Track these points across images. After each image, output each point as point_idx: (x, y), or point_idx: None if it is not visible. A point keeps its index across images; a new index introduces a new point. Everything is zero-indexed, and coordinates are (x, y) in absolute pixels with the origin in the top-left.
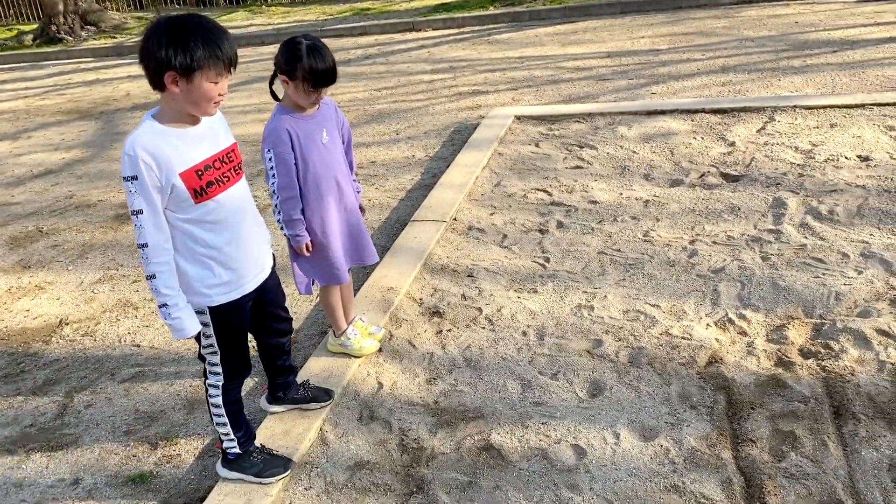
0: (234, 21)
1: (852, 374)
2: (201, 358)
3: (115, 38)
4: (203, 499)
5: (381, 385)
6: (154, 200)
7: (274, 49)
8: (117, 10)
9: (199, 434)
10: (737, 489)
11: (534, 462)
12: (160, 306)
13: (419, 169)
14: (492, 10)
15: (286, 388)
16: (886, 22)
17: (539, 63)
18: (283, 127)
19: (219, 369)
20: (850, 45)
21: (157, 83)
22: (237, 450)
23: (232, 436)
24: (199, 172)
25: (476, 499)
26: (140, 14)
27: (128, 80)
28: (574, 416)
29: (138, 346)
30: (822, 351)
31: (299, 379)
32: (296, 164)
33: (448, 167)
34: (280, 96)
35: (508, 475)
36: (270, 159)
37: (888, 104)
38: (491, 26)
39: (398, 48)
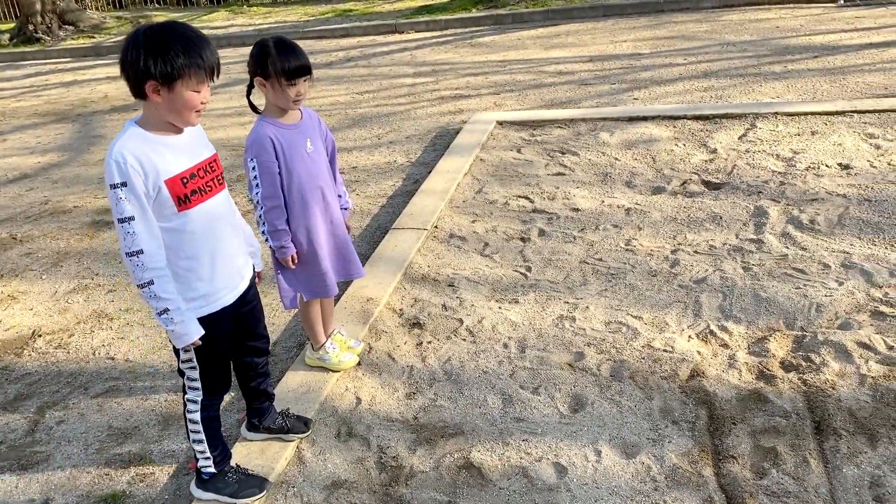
0: (215, 21)
1: (833, 388)
2: (180, 373)
3: (93, 37)
4: None
5: (359, 400)
6: (145, 206)
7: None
8: (96, 9)
9: (174, 451)
10: None
11: (514, 481)
12: (160, 314)
13: (401, 174)
14: (474, 13)
15: (261, 415)
16: (866, 28)
17: (521, 67)
18: (266, 135)
19: (198, 384)
20: (831, 51)
21: (139, 92)
22: (212, 469)
23: (208, 454)
24: (185, 180)
25: None
26: (119, 14)
27: (106, 81)
28: (555, 433)
29: (112, 359)
30: (804, 364)
31: (279, 405)
32: (280, 173)
33: (429, 173)
34: (259, 108)
35: (488, 495)
36: (254, 168)
37: (869, 111)
38: (473, 29)
39: (380, 51)
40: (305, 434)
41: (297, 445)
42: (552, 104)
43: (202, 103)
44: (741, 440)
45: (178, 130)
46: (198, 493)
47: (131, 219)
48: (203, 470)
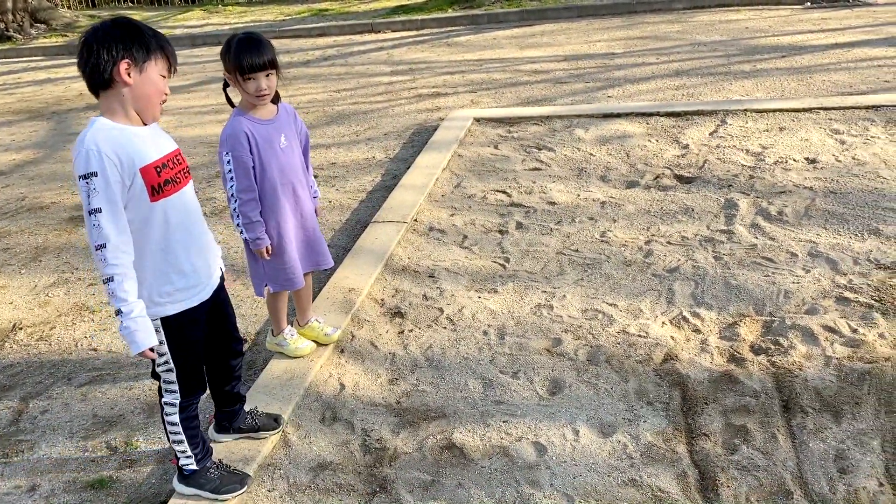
0: (190, 20)
1: (800, 370)
2: (155, 376)
3: (66, 36)
4: (164, 503)
5: (343, 386)
6: (115, 199)
7: None
8: (69, 7)
9: (160, 438)
10: (691, 482)
11: (495, 460)
12: (116, 313)
13: (379, 170)
14: (450, 13)
15: (232, 418)
16: (831, 29)
17: (497, 66)
18: (241, 129)
19: (175, 387)
20: (798, 51)
21: (105, 80)
22: (194, 466)
23: (189, 453)
24: (158, 169)
25: (439, 497)
26: (92, 12)
27: (80, 79)
28: (534, 414)
29: (95, 350)
30: (772, 347)
31: (265, 394)
32: (253, 167)
33: (408, 169)
34: (235, 103)
35: (471, 473)
36: (228, 162)
37: (834, 108)
38: (449, 28)
39: (357, 49)
40: (276, 431)
41: (282, 430)
42: (528, 102)
43: (165, 94)
44: (713, 419)
45: (142, 124)
46: (180, 487)
47: (98, 211)
48: (185, 467)
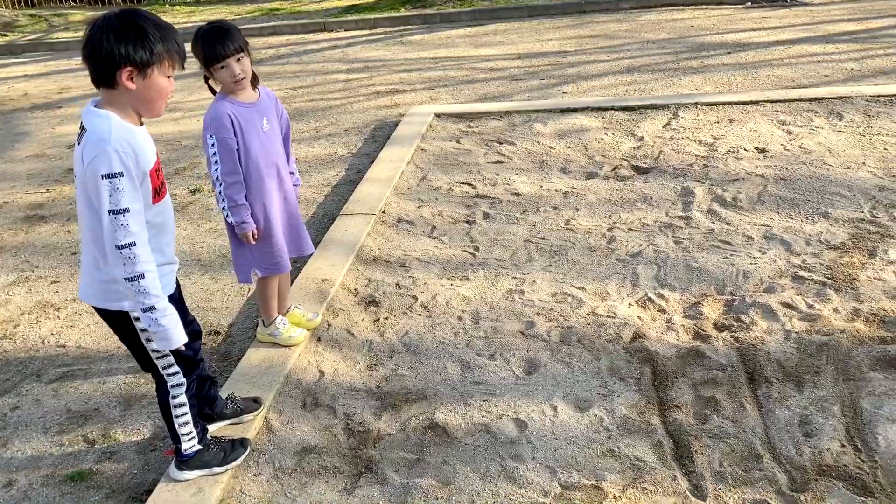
0: None
1: (762, 344)
2: (149, 367)
3: (6, 36)
4: (149, 491)
5: (322, 373)
6: (139, 197)
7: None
8: (7, 7)
9: (138, 429)
10: (667, 451)
11: (478, 437)
12: (146, 310)
13: (342, 165)
14: (403, 13)
15: (211, 403)
16: (772, 27)
17: (453, 64)
18: (224, 112)
19: (175, 369)
20: (742, 48)
21: (107, 80)
22: (197, 446)
23: (194, 433)
24: (157, 172)
25: (424, 474)
26: (32, 12)
27: (24, 79)
28: (513, 393)
29: (63, 346)
30: (735, 324)
31: (244, 382)
32: (237, 150)
33: (372, 163)
34: (216, 89)
35: (454, 450)
36: (213, 145)
37: (779, 101)
38: (403, 28)
39: (311, 48)
40: (259, 410)
41: (265, 416)
42: (486, 98)
43: (170, 93)
44: (683, 392)
45: (140, 123)
46: (181, 474)
47: (126, 210)
48: (187, 451)
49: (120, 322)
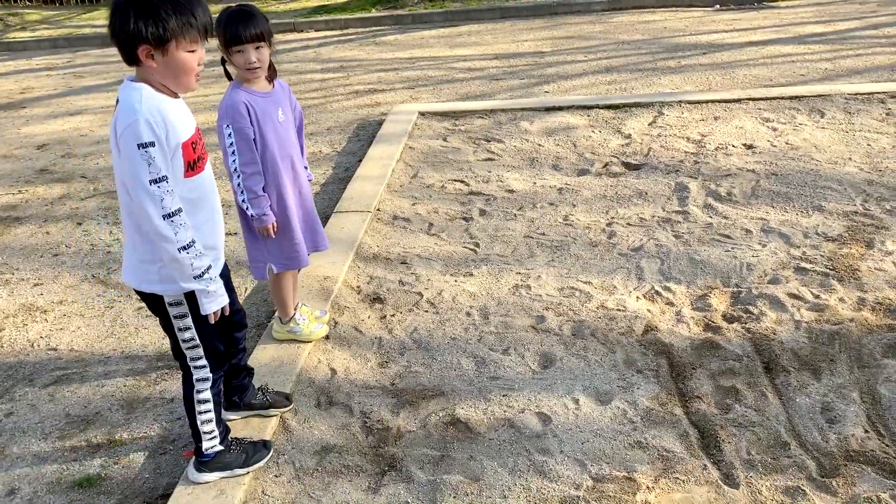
0: (97, 20)
1: (774, 334)
2: (179, 356)
3: None
4: (166, 496)
5: (334, 371)
6: (171, 167)
7: None
8: None
9: (145, 433)
10: (694, 441)
11: (502, 432)
12: (199, 275)
13: (329, 164)
14: (374, 13)
15: (242, 392)
16: (743, 28)
17: (430, 63)
18: (239, 100)
19: (203, 361)
20: (717, 49)
21: (132, 58)
22: (219, 447)
23: (215, 432)
24: (194, 145)
25: (451, 471)
26: None
27: None
28: (532, 387)
29: (55, 349)
30: (744, 315)
31: (256, 383)
32: (254, 140)
33: (359, 162)
34: (232, 75)
35: (480, 446)
36: (230, 135)
37: (761, 99)
38: (374, 28)
39: (282, 48)
40: (288, 408)
41: (280, 416)
42: (468, 97)
43: (199, 65)
44: (702, 382)
45: (175, 95)
46: (201, 476)
47: (164, 179)
48: (208, 451)
49: (156, 305)
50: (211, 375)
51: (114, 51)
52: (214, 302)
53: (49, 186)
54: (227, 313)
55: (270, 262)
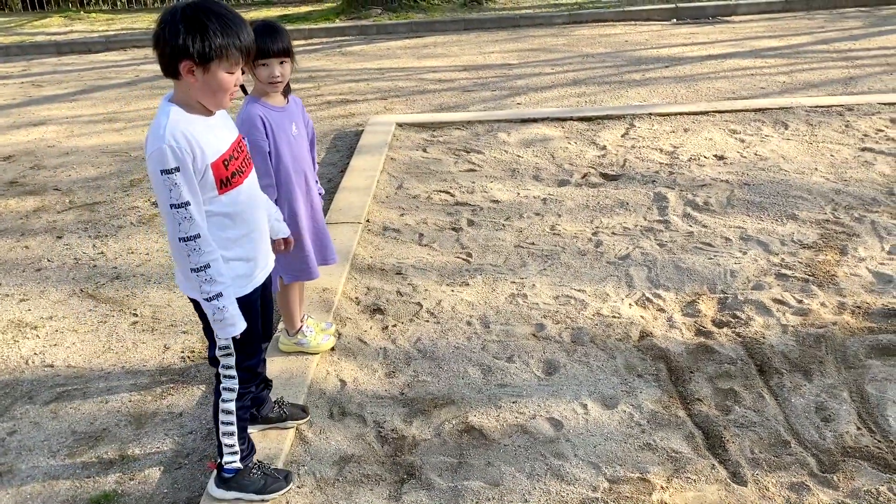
0: (50, 27)
1: (763, 338)
2: (213, 362)
3: None
4: None
5: (343, 382)
6: (197, 190)
7: (105, 57)
8: None
9: (158, 448)
10: (699, 442)
11: (516, 438)
12: (211, 299)
13: None
14: (338, 23)
15: (260, 404)
16: (701, 42)
17: (400, 74)
18: (255, 114)
19: (233, 372)
20: (679, 62)
21: (172, 70)
22: (238, 465)
23: (237, 448)
24: (226, 162)
25: (470, 477)
26: None
27: None
28: (540, 393)
29: (52, 366)
30: (732, 320)
31: (272, 396)
32: (269, 153)
33: (341, 173)
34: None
35: (496, 452)
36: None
37: (727, 111)
38: (339, 38)
39: None
40: (305, 419)
41: (296, 427)
42: (442, 108)
43: (236, 85)
44: (701, 385)
45: (210, 112)
46: (219, 492)
47: (187, 204)
48: (227, 466)
49: (200, 310)
50: (237, 387)
51: (69, 59)
52: (223, 329)
53: (21, 199)
54: (241, 329)
55: (281, 273)
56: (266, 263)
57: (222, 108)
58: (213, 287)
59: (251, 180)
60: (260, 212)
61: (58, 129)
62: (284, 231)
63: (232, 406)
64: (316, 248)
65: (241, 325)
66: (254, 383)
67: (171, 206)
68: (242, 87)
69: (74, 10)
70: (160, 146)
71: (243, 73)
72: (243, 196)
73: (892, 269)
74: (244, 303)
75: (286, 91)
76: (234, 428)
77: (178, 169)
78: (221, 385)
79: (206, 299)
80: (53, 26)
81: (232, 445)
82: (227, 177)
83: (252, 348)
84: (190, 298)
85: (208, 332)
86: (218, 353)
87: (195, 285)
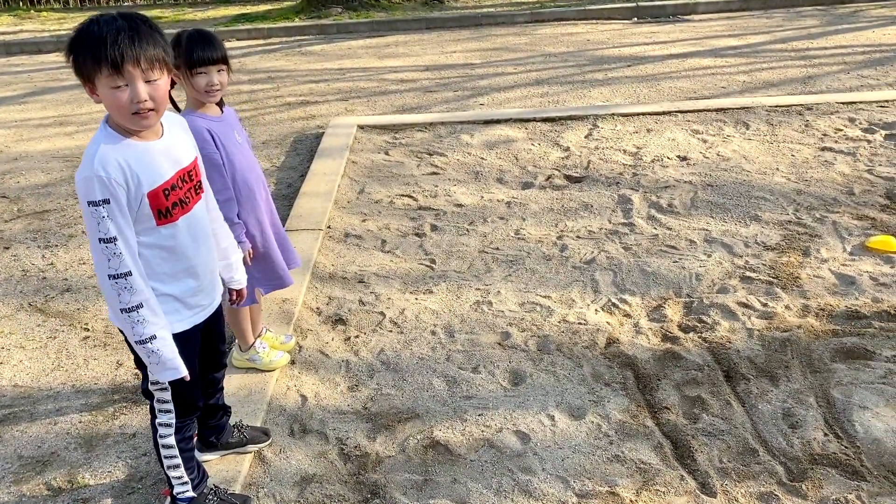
0: None
1: (729, 343)
2: (147, 394)
3: None
4: None
5: (304, 398)
6: (129, 224)
7: (56, 57)
8: None
9: (109, 472)
10: (668, 452)
11: (482, 452)
12: (144, 341)
13: (270, 179)
14: (298, 22)
15: (219, 432)
16: (662, 41)
17: (361, 75)
18: (202, 126)
19: (170, 406)
20: (640, 61)
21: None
22: (191, 493)
23: (185, 478)
24: (166, 192)
25: (437, 495)
26: None
27: None
28: (506, 405)
29: None
30: (698, 325)
31: (231, 420)
32: (223, 164)
33: (301, 177)
34: (180, 106)
35: (462, 468)
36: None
37: (689, 111)
38: (299, 38)
39: None
40: (267, 443)
41: (272, 441)
42: (403, 109)
43: (135, 101)
44: (669, 393)
45: (157, 133)
46: None
47: (115, 239)
48: (180, 496)
49: (128, 340)
50: (173, 422)
51: (19, 59)
52: (161, 372)
53: None
54: (186, 379)
55: (258, 286)
56: (212, 300)
57: (139, 128)
58: (146, 329)
59: (198, 211)
60: (206, 245)
61: (6, 134)
62: (240, 281)
63: (171, 440)
64: (281, 253)
65: (182, 370)
66: (193, 416)
67: (100, 240)
68: (174, 103)
69: (24, 9)
70: (87, 175)
71: (173, 85)
72: (184, 229)
73: (854, 271)
74: (181, 339)
75: (220, 102)
76: (177, 461)
77: (106, 201)
78: (157, 420)
79: (138, 342)
80: (2, 25)
81: (180, 477)
82: (166, 207)
83: (190, 385)
84: (120, 329)
85: (140, 363)
86: (151, 386)
87: (126, 326)
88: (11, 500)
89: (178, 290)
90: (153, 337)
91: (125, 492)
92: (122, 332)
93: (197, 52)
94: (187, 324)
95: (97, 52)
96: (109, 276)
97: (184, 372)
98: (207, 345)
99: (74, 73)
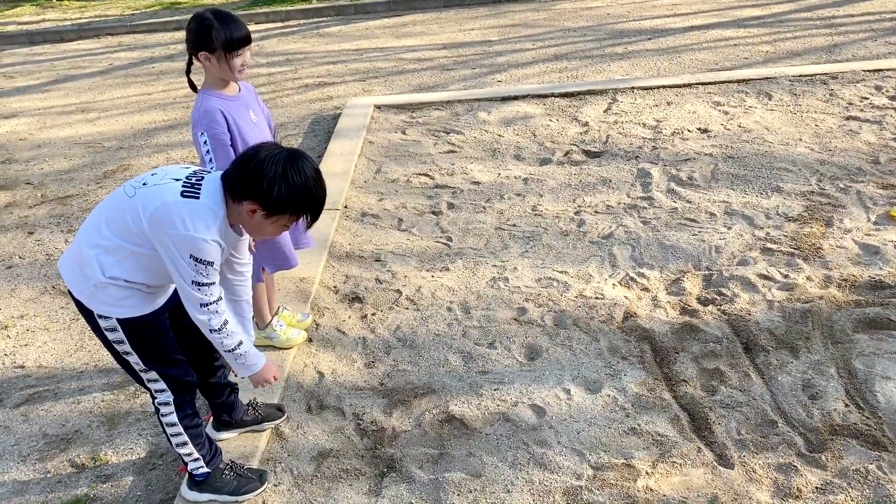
0: (22, 17)
1: (749, 315)
2: (139, 381)
3: None
4: None
5: (321, 374)
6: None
7: (78, 45)
8: None
9: (131, 448)
10: (685, 424)
11: (498, 426)
12: (231, 350)
13: None
14: (315, 4)
15: (230, 410)
16: (684, 13)
17: (378, 55)
18: (214, 107)
19: (162, 385)
20: (661, 34)
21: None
22: (205, 469)
23: (196, 454)
24: None
25: (452, 468)
26: None
27: None
28: (522, 380)
29: (22, 367)
30: (718, 297)
31: (242, 395)
32: (232, 145)
33: (319, 157)
34: (197, 84)
35: (477, 441)
36: (205, 143)
37: (710, 83)
38: (317, 20)
39: None
40: (281, 419)
41: (287, 417)
42: (421, 88)
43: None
44: (686, 366)
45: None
46: (192, 495)
47: (212, 284)
48: (195, 472)
49: (93, 324)
50: (171, 399)
51: (41, 48)
52: (246, 371)
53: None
54: (273, 381)
55: (263, 265)
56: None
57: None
58: (233, 339)
59: None
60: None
61: (29, 122)
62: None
63: (174, 418)
64: (290, 233)
65: (260, 362)
66: (191, 393)
67: (194, 282)
68: (190, 83)
69: None
70: (203, 238)
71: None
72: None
73: (879, 241)
74: (142, 322)
75: None
76: (184, 438)
77: (212, 263)
78: (156, 400)
79: (227, 351)
80: (25, 15)
81: (190, 454)
82: None
83: (172, 361)
84: (83, 313)
85: (121, 361)
86: (140, 371)
87: (216, 342)
88: (37, 476)
89: (146, 289)
90: (240, 343)
91: (146, 468)
92: (84, 315)
93: (235, 34)
94: (148, 309)
95: None
96: (202, 305)
97: (262, 362)
98: (183, 326)
99: None
